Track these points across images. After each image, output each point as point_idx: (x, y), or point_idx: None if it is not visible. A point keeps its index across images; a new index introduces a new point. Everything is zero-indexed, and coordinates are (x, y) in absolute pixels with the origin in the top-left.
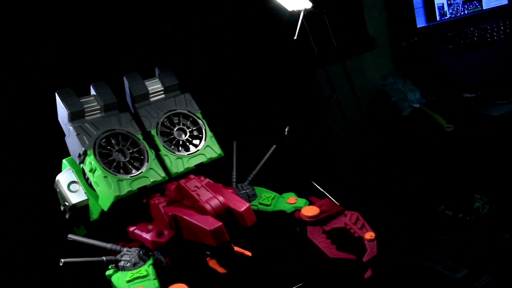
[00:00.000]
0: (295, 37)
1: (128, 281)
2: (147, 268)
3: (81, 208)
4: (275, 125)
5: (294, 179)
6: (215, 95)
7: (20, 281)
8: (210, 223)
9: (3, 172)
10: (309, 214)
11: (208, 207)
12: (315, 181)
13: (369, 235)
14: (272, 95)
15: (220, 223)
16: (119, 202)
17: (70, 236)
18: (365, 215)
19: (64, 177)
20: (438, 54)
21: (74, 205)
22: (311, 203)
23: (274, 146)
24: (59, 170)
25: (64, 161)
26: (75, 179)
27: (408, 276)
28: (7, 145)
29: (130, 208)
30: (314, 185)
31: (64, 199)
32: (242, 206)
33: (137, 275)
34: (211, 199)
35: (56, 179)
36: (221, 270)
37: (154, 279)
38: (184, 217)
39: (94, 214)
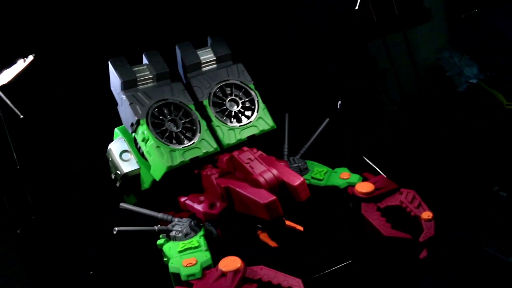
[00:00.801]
0: (357, 7)
1: (180, 251)
2: (198, 239)
3: (133, 177)
4: (329, 98)
5: (347, 154)
6: (268, 66)
7: (75, 246)
8: (264, 197)
9: (56, 139)
10: (364, 191)
11: (261, 180)
12: (369, 157)
13: (427, 214)
14: (327, 67)
15: (275, 197)
16: (171, 173)
17: (122, 204)
18: (421, 193)
19: (116, 146)
20: (500, 26)
21: (125, 174)
22: (365, 179)
23: (327, 119)
24: (111, 139)
25: (116, 130)
26: (127, 148)
27: (461, 258)
28: (62, 113)
29: (182, 179)
30: (367, 161)
31: (116, 167)
32: (296, 180)
33: (189, 245)
34: (265, 172)
35: (108, 148)
36: (272, 243)
37: (206, 250)
38: (237, 189)
39: (146, 184)
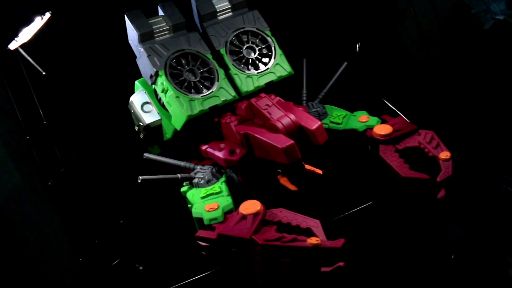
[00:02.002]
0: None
1: (203, 197)
2: (220, 185)
3: (155, 128)
4: (346, 41)
5: (366, 97)
6: (284, 11)
7: (99, 197)
8: (282, 141)
9: (78, 95)
10: (382, 133)
11: (279, 125)
12: (388, 100)
13: (444, 154)
14: (343, 9)
15: (292, 141)
16: (192, 121)
17: (146, 154)
18: (440, 134)
19: (138, 98)
20: None
21: (148, 125)
22: (383, 122)
23: (346, 63)
24: (132, 92)
25: (136, 82)
26: (148, 99)
27: (481, 198)
28: (83, 68)
29: (202, 127)
30: (386, 104)
31: (138, 119)
32: (314, 124)
33: (211, 191)
34: (283, 117)
35: (130, 100)
36: (292, 187)
37: (228, 195)
38: (256, 135)
39: (168, 134)
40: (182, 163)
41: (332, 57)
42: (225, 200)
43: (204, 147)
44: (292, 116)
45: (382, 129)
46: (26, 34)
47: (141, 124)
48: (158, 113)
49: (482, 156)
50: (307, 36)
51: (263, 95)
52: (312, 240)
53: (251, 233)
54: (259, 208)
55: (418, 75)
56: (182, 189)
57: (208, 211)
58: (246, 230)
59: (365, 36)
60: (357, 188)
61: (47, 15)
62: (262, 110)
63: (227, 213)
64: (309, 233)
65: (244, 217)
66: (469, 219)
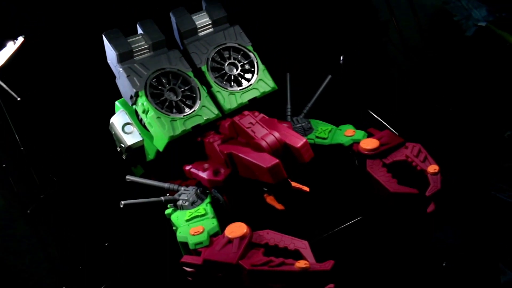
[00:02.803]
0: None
1: (187, 220)
2: (205, 207)
3: (137, 149)
4: (330, 54)
5: (352, 110)
6: (265, 25)
7: (82, 221)
8: (267, 161)
9: (57, 118)
10: (368, 147)
11: (264, 144)
12: (374, 111)
13: (433, 168)
14: (326, 22)
15: (277, 160)
16: (174, 142)
17: (128, 177)
18: (427, 146)
19: (118, 119)
20: None
21: (129, 147)
22: (370, 135)
23: (330, 76)
24: (112, 112)
25: (116, 103)
26: (129, 120)
27: (472, 206)
28: (60, 92)
29: (185, 147)
30: (372, 116)
31: (120, 140)
32: (299, 141)
33: (196, 213)
34: (267, 135)
35: (111, 122)
36: (279, 206)
37: (213, 217)
38: (240, 154)
39: (150, 155)
40: (166, 185)
41: (316, 71)
42: (210, 223)
43: (187, 168)
44: (277, 134)
45: (369, 144)
46: None
47: (123, 145)
48: (140, 134)
49: (470, 164)
50: (290, 50)
51: (246, 112)
52: (301, 264)
53: (238, 257)
54: (245, 231)
55: (404, 85)
56: (167, 211)
57: (193, 235)
58: (233, 254)
59: (348, 48)
60: (345, 204)
61: (20, 39)
62: (245, 129)
63: (212, 236)
64: (298, 255)
65: (230, 240)
66: (462, 225)
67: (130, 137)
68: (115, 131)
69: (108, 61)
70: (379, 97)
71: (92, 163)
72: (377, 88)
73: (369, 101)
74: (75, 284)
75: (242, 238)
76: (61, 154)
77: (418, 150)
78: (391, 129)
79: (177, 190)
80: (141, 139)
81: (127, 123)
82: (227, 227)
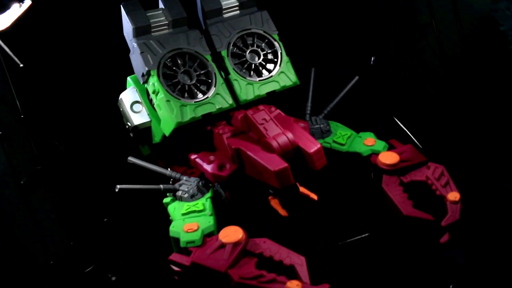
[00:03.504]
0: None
1: (184, 214)
2: (204, 202)
3: (144, 130)
4: (360, 54)
5: (377, 116)
6: (296, 15)
7: (80, 196)
8: (275, 163)
9: (63, 87)
10: (387, 162)
11: (274, 144)
12: (401, 121)
13: (453, 195)
14: (359, 19)
15: (286, 165)
16: (182, 128)
17: (130, 158)
18: (452, 169)
19: (128, 96)
20: None
21: (136, 127)
22: (391, 147)
23: (357, 77)
24: (124, 88)
25: (128, 78)
26: (138, 99)
27: (493, 242)
28: (68, 61)
29: (194, 134)
30: (397, 125)
31: (127, 119)
32: (312, 146)
33: (193, 208)
34: (279, 135)
35: (120, 98)
36: (282, 212)
37: (210, 215)
38: (248, 152)
39: (156, 137)
40: (168, 172)
41: (344, 70)
42: (207, 221)
43: (193, 157)
44: (290, 135)
45: (388, 158)
46: (3, 21)
47: (129, 124)
48: (148, 114)
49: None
50: (318, 44)
51: (261, 107)
52: (292, 285)
53: (227, 266)
54: (240, 236)
55: (437, 95)
56: (165, 200)
57: (187, 231)
58: (223, 261)
59: (381, 49)
60: (354, 218)
61: (27, 2)
62: (258, 125)
63: (207, 236)
64: (292, 272)
65: (223, 245)
66: (472, 244)
67: (138, 117)
68: (123, 108)
69: (124, 34)
70: (408, 105)
71: (97, 138)
72: (407, 95)
73: (396, 109)
74: (65, 261)
75: (236, 244)
76: (65, 126)
77: (441, 173)
78: (416, 141)
79: (179, 179)
80: (148, 119)
81: (136, 101)
82: (222, 230)
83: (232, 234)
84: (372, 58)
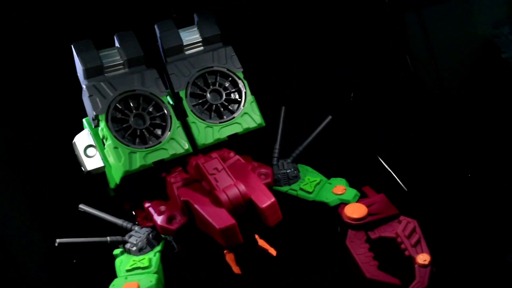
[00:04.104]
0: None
1: (128, 270)
2: (151, 257)
3: (98, 175)
4: (334, 90)
5: (354, 158)
6: (262, 49)
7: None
8: (222, 220)
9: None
10: (353, 216)
11: (223, 198)
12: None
13: (423, 258)
14: (334, 48)
15: (233, 222)
16: (134, 176)
17: (82, 206)
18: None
19: (81, 140)
20: None
21: (89, 172)
22: (363, 196)
23: (330, 117)
24: (81, 129)
25: (84, 120)
26: (92, 142)
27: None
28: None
29: (148, 181)
30: (376, 169)
31: (81, 163)
32: (265, 201)
33: (139, 264)
34: (230, 187)
35: (73, 141)
36: (235, 269)
37: (155, 272)
38: (195, 206)
39: (111, 183)
40: (120, 221)
41: (313, 109)
42: (148, 280)
43: (146, 205)
44: (242, 187)
45: (355, 211)
46: None
47: (83, 169)
48: (102, 159)
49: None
50: (288, 81)
51: (214, 154)
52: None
53: None
54: None
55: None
56: (115, 251)
57: None
58: None
59: (360, 84)
60: (316, 277)
61: None
62: (208, 175)
63: None
64: None
65: None
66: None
67: (91, 162)
68: (76, 152)
69: (78, 74)
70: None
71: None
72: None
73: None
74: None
75: None
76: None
77: (412, 229)
78: (400, 183)
79: (130, 230)
80: (102, 165)
81: (90, 145)
82: None
83: None
84: (352, 94)
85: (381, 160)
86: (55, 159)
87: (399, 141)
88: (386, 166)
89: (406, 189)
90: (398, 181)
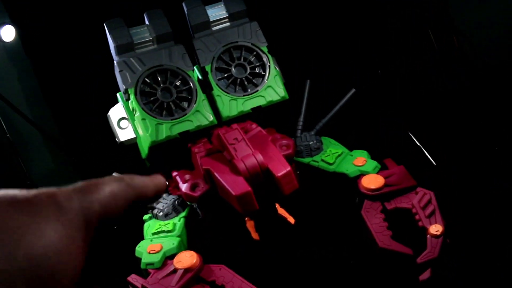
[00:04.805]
0: None
1: (153, 233)
2: (175, 222)
3: (131, 145)
4: (360, 65)
5: (380, 132)
6: (290, 25)
7: None
8: (238, 187)
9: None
10: (369, 186)
11: (241, 166)
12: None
13: (435, 228)
14: (361, 23)
15: (248, 189)
16: (161, 146)
17: (115, 174)
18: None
19: (115, 113)
20: None
21: (122, 143)
22: (383, 168)
23: (353, 89)
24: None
25: (118, 94)
26: (125, 115)
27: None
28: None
29: (177, 151)
30: (408, 140)
31: (115, 134)
32: (280, 169)
33: (164, 228)
34: (248, 157)
35: (108, 114)
36: (254, 235)
37: (178, 236)
38: (215, 174)
39: (142, 153)
40: None
41: (339, 82)
42: (171, 243)
43: (174, 174)
44: (260, 157)
45: (371, 181)
46: None
47: (117, 140)
48: (134, 130)
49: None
50: (313, 56)
51: (235, 125)
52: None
53: None
54: (193, 262)
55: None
56: (145, 216)
57: (149, 253)
58: None
59: (382, 47)
60: (332, 245)
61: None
62: (227, 145)
63: (169, 258)
64: None
65: (174, 270)
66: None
67: (124, 133)
68: (110, 124)
69: (111, 51)
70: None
71: (100, 143)
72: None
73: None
74: None
75: (187, 270)
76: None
77: (428, 201)
78: (429, 156)
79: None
80: (134, 136)
81: (123, 118)
82: (178, 255)
83: (186, 259)
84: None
85: (410, 134)
86: (94, 131)
87: (399, 138)
88: (415, 140)
89: (434, 163)
90: (426, 155)
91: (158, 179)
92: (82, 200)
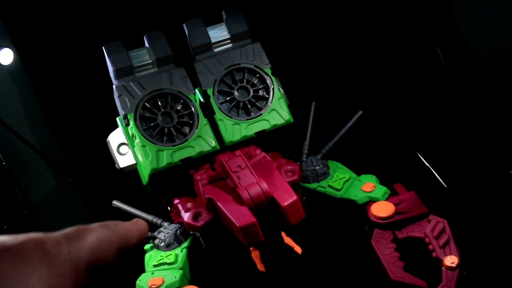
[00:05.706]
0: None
1: (155, 265)
2: (177, 253)
3: (130, 172)
4: (366, 85)
5: (386, 156)
6: (291, 45)
7: None
8: (242, 218)
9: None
10: (380, 214)
11: (245, 195)
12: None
13: (451, 260)
14: (367, 42)
15: (253, 220)
16: (162, 173)
17: (115, 202)
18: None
19: (115, 138)
20: None
21: (122, 169)
22: (393, 194)
23: (361, 111)
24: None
25: (117, 119)
26: (125, 140)
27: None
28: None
29: (179, 178)
30: (416, 161)
31: (114, 160)
32: (287, 199)
33: (165, 260)
34: (252, 185)
35: (107, 139)
36: (260, 266)
37: (180, 268)
38: (218, 203)
39: (143, 180)
40: (150, 217)
41: (345, 104)
42: (173, 276)
43: (176, 201)
44: (264, 185)
45: (381, 209)
46: None
47: (116, 166)
48: (134, 157)
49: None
50: (318, 77)
51: (238, 152)
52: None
53: None
54: None
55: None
56: (145, 246)
57: (150, 287)
58: None
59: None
60: (341, 277)
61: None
62: (231, 173)
63: None
64: None
65: None
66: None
67: (124, 159)
68: (110, 149)
69: (110, 75)
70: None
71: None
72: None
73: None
74: None
75: None
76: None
77: (441, 230)
78: (439, 178)
79: (160, 226)
80: (134, 162)
81: (123, 143)
82: None
83: None
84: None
85: (419, 155)
86: (92, 157)
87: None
88: (425, 162)
89: (445, 186)
90: (437, 177)
91: (141, 224)
92: (71, 246)
